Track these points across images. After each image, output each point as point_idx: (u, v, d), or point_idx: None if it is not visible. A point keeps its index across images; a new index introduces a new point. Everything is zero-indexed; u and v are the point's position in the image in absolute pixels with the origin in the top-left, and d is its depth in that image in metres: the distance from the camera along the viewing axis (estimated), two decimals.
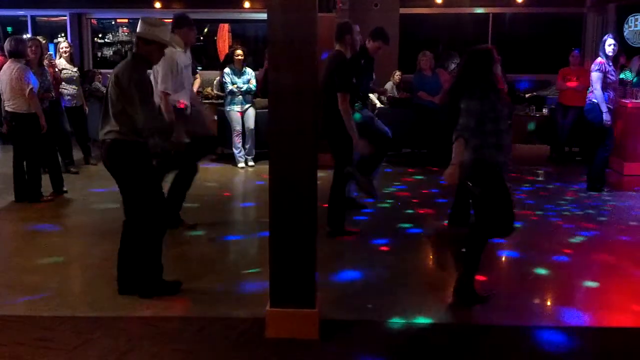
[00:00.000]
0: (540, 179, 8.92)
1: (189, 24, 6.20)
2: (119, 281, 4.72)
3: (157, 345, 3.93)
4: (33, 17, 15.17)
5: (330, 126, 5.97)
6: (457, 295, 4.62)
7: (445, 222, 6.49)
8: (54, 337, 4.02)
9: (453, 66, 9.97)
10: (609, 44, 7.82)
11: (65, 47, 9.11)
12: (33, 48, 7.55)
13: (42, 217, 6.95)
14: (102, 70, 12.63)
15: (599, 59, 7.85)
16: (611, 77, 7.83)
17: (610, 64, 7.85)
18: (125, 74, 4.43)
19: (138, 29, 4.54)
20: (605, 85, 7.75)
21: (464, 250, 4.66)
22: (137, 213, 4.61)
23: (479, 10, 14.18)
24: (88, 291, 4.86)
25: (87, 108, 9.46)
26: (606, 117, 7.65)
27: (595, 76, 7.78)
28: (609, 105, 7.70)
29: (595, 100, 7.76)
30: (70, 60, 9.18)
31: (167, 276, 4.75)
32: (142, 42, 4.52)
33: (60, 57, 9.08)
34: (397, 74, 11.72)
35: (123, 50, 15.87)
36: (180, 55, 6.04)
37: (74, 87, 9.07)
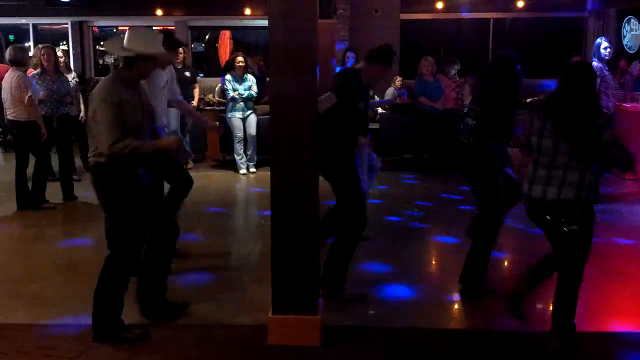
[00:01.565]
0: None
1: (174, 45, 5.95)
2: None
3: (158, 352, 3.93)
4: (35, 25, 15.21)
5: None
6: (463, 283, 4.73)
7: (447, 227, 6.49)
8: (56, 345, 4.01)
9: (454, 72, 9.98)
10: (604, 47, 7.67)
11: (59, 56, 9.14)
12: (45, 56, 7.60)
13: (45, 224, 6.96)
14: (102, 78, 12.67)
15: (594, 64, 7.56)
16: (608, 82, 7.71)
17: (606, 68, 7.73)
18: (102, 87, 4.03)
19: (135, 46, 4.02)
20: (601, 91, 7.45)
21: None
22: (119, 248, 4.11)
23: (480, 16, 14.19)
24: (89, 298, 4.84)
25: (83, 116, 9.42)
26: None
27: None
28: (605, 111, 7.47)
29: (605, 111, 7.50)
30: (66, 68, 9.20)
31: (169, 284, 4.74)
32: (140, 59, 4.01)
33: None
34: (398, 80, 11.72)
35: None
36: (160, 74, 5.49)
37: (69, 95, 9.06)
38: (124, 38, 4.09)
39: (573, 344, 3.84)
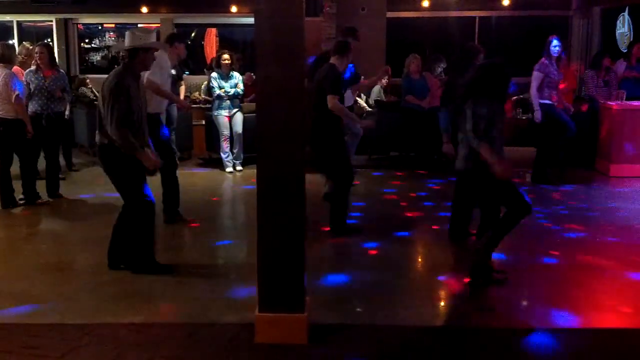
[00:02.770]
0: (528, 180, 8.96)
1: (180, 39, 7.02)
2: (110, 256, 5.27)
3: (145, 352, 3.92)
4: (19, 23, 15.10)
5: (319, 137, 6.20)
6: (472, 274, 4.91)
7: (434, 225, 6.52)
8: (42, 344, 3.99)
9: (440, 69, 10.01)
10: (554, 45, 8.27)
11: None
12: (39, 54, 7.58)
13: (30, 223, 6.92)
14: (90, 76, 12.59)
15: (543, 59, 8.28)
16: (553, 77, 8.31)
17: (554, 63, 8.32)
18: (111, 78, 4.87)
19: (134, 41, 4.96)
20: (545, 85, 8.24)
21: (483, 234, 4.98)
22: (127, 204, 5.12)
23: (466, 14, 14.24)
24: (76, 298, 4.83)
25: (68, 113, 9.35)
26: (537, 115, 8.24)
27: (535, 76, 8.26)
28: (550, 103, 8.27)
29: (547, 102, 8.25)
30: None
31: (151, 284, 4.73)
32: (142, 51, 4.96)
33: None
34: (385, 78, 11.73)
35: (110, 55, 15.83)
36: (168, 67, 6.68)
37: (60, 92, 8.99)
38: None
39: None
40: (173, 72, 9.54)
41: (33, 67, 7.64)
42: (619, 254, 5.82)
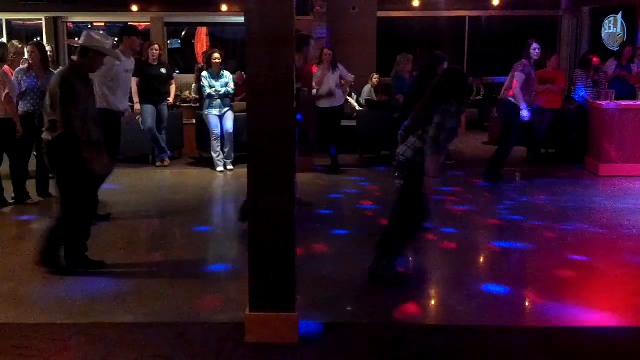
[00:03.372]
0: (517, 179, 9.00)
1: (137, 33, 7.11)
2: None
3: (135, 351, 3.90)
4: (8, 21, 15.03)
5: None
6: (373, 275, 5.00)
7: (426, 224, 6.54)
8: (31, 344, 3.97)
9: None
10: (534, 48, 8.53)
11: (50, 52, 9.08)
12: (31, 54, 7.54)
13: (19, 223, 6.88)
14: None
15: (523, 60, 8.50)
16: (533, 79, 8.57)
17: (533, 67, 8.60)
18: (56, 77, 5.04)
19: (84, 40, 5.06)
20: (526, 85, 8.43)
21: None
22: (63, 201, 5.20)
23: (456, 14, 14.29)
24: (65, 297, 4.81)
25: None
26: (525, 114, 8.36)
27: (518, 76, 8.41)
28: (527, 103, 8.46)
29: (513, 100, 8.41)
30: (52, 63, 9.11)
31: (141, 283, 4.71)
32: (92, 54, 5.06)
33: None
34: (375, 77, 11.76)
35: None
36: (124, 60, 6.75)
37: None
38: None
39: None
40: (163, 70, 9.60)
41: (24, 66, 7.59)
42: (606, 253, 5.85)
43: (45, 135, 5.06)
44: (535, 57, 8.56)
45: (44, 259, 5.21)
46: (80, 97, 4.96)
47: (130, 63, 7.09)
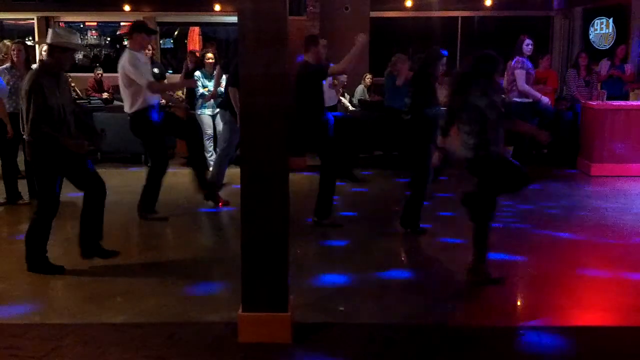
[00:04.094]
0: None
1: (146, 30, 6.86)
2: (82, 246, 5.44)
3: (127, 352, 3.90)
4: (0, 21, 14.97)
5: (308, 128, 6.54)
6: (471, 275, 5.01)
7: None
8: (23, 345, 3.96)
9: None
10: (526, 44, 8.61)
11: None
12: (16, 52, 7.50)
13: (10, 222, 6.86)
14: (72, 74, 12.49)
15: (518, 57, 8.60)
16: (532, 73, 8.67)
17: (529, 61, 8.67)
18: (26, 79, 5.00)
19: (53, 39, 5.01)
20: (527, 80, 8.56)
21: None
22: (38, 200, 5.27)
23: (448, 14, 14.32)
24: (57, 298, 4.80)
25: None
26: (545, 100, 8.55)
27: (519, 73, 8.51)
28: (528, 100, 8.58)
29: (518, 100, 8.49)
30: None
31: (133, 284, 4.69)
32: (59, 50, 5.02)
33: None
34: (368, 77, 11.76)
35: (92, 54, 15.72)
36: (138, 56, 6.66)
37: None
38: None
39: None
40: (155, 70, 9.57)
41: (7, 65, 7.53)
42: (600, 253, 5.87)
43: (25, 136, 5.09)
44: (528, 53, 8.61)
45: (31, 265, 5.21)
46: (51, 95, 4.93)
47: (144, 56, 6.99)
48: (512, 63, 8.50)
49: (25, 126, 5.00)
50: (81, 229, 5.41)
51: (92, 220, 5.40)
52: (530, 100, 8.56)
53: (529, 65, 8.60)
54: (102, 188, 5.38)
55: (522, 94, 8.55)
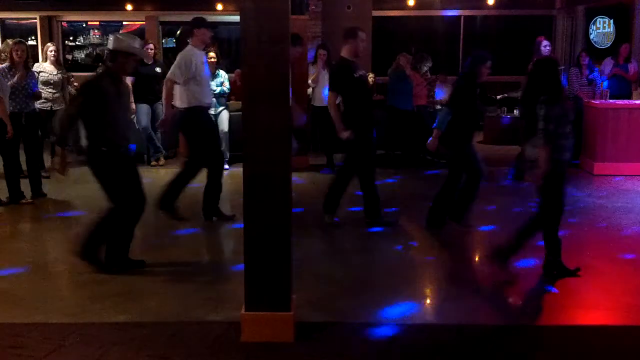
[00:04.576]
0: (509, 178, 9.01)
1: (206, 25, 6.75)
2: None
3: (130, 351, 3.90)
4: (2, 20, 14.96)
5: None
6: (546, 270, 5.16)
7: (420, 223, 6.55)
8: (26, 344, 3.96)
9: (425, 69, 10.05)
10: (544, 45, 8.70)
11: (54, 51, 9.11)
12: (19, 52, 7.50)
13: (14, 222, 6.86)
14: (74, 74, 12.49)
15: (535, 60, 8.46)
16: None
17: None
18: (86, 82, 5.08)
19: (115, 44, 5.00)
20: None
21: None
22: (112, 204, 5.14)
23: (451, 13, 14.30)
24: (60, 297, 4.80)
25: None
26: None
27: None
28: None
29: None
30: (57, 63, 9.10)
31: (135, 283, 4.70)
32: (122, 56, 5.01)
33: (46, 59, 8.99)
34: (371, 76, 11.74)
35: (94, 53, 15.71)
36: (197, 53, 6.67)
37: (50, 90, 8.90)
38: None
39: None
40: (158, 69, 9.59)
41: (6, 64, 7.51)
42: (605, 250, 5.86)
43: (83, 141, 5.15)
44: (546, 54, 8.63)
45: (85, 253, 5.20)
46: (111, 101, 4.97)
47: (202, 55, 6.91)
48: (531, 65, 8.51)
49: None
50: (109, 240, 5.25)
51: (124, 234, 5.27)
52: None
53: None
54: (144, 204, 5.31)
55: None
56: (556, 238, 5.11)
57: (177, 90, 6.54)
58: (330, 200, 6.64)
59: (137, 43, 5.14)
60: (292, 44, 6.70)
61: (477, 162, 6.27)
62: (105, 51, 5.17)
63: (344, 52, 6.41)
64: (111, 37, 5.13)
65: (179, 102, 6.59)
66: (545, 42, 8.66)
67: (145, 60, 9.42)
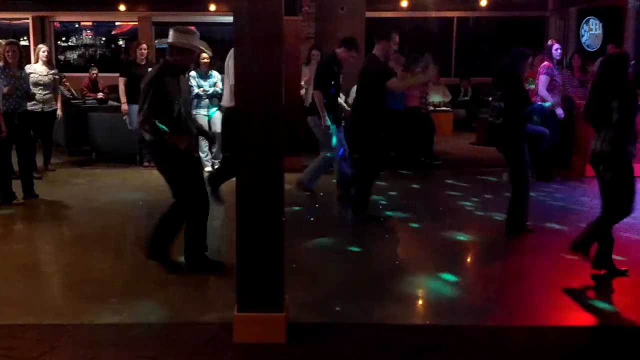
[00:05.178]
0: (504, 180, 9.03)
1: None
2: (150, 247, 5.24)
3: (122, 352, 3.90)
4: None
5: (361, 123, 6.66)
6: (596, 266, 5.15)
7: (413, 224, 6.56)
8: (18, 345, 3.95)
9: (418, 69, 10.05)
10: (555, 49, 8.59)
11: (46, 52, 9.09)
12: (10, 53, 7.48)
13: (5, 223, 6.84)
14: (67, 74, 12.46)
15: (546, 63, 8.55)
16: (557, 80, 8.58)
17: (557, 67, 8.63)
18: (147, 76, 5.04)
19: (172, 39, 4.99)
20: (551, 87, 8.47)
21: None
22: (176, 200, 5.15)
23: (444, 14, 14.34)
24: (52, 298, 4.79)
25: (60, 113, 9.26)
26: (559, 111, 8.49)
27: (542, 79, 8.43)
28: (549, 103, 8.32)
29: (540, 103, 8.30)
30: (49, 64, 9.07)
31: (128, 284, 4.69)
32: (176, 50, 4.98)
33: (38, 60, 8.97)
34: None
35: (87, 54, 15.69)
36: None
37: (40, 91, 8.88)
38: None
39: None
40: (150, 70, 9.55)
41: (1, 64, 7.52)
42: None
43: (146, 136, 5.11)
44: (557, 58, 8.58)
45: (153, 253, 5.23)
46: (172, 94, 4.94)
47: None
48: (540, 67, 8.49)
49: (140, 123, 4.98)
50: (186, 240, 5.27)
51: (196, 231, 5.25)
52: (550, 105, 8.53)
53: (556, 72, 8.57)
54: (207, 200, 5.33)
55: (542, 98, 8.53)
56: (610, 235, 5.11)
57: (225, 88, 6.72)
58: (358, 202, 6.69)
59: (192, 38, 5.05)
60: (348, 48, 6.98)
61: (526, 164, 6.18)
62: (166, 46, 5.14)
63: (376, 52, 6.54)
64: (170, 31, 5.07)
65: (225, 100, 6.82)
66: (556, 45, 8.58)
67: (138, 61, 9.41)
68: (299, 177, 7.39)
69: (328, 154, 7.32)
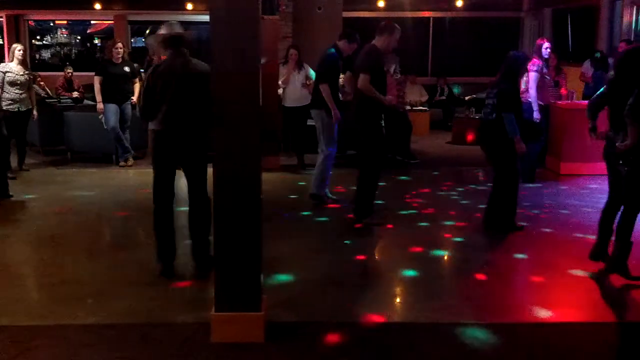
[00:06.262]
0: (480, 179, 9.10)
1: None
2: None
3: (98, 353, 3.87)
4: None
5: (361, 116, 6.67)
6: (610, 269, 5.13)
7: (389, 223, 6.59)
8: None
9: (393, 69, 10.10)
10: (545, 47, 8.47)
11: (22, 51, 9.01)
12: None
13: None
14: (41, 73, 12.33)
15: (536, 60, 8.41)
16: (547, 77, 8.55)
17: (546, 66, 8.52)
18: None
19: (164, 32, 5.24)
20: (541, 85, 8.37)
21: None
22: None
23: (420, 14, 14.42)
24: (26, 299, 4.74)
25: (36, 113, 9.17)
26: (536, 114, 8.29)
27: (532, 76, 8.30)
28: (540, 103, 8.39)
29: (530, 100, 8.28)
30: (23, 63, 8.97)
31: (104, 285, 4.65)
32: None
33: (13, 59, 8.86)
34: (342, 77, 11.75)
35: (61, 52, 15.53)
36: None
37: (16, 91, 8.78)
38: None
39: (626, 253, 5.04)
40: (127, 69, 9.49)
41: None
42: (572, 249, 5.95)
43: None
44: (546, 56, 8.56)
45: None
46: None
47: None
48: (530, 65, 8.44)
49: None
50: (192, 239, 5.33)
51: (199, 229, 5.30)
52: (542, 103, 8.49)
53: (545, 70, 8.58)
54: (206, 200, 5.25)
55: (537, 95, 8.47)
56: (629, 239, 5.05)
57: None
58: (361, 205, 6.65)
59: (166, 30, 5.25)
60: (350, 41, 7.04)
61: (516, 161, 6.27)
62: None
63: (377, 43, 6.50)
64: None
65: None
66: (546, 44, 8.54)
67: (114, 60, 9.34)
68: (311, 191, 7.44)
69: (329, 149, 7.38)
